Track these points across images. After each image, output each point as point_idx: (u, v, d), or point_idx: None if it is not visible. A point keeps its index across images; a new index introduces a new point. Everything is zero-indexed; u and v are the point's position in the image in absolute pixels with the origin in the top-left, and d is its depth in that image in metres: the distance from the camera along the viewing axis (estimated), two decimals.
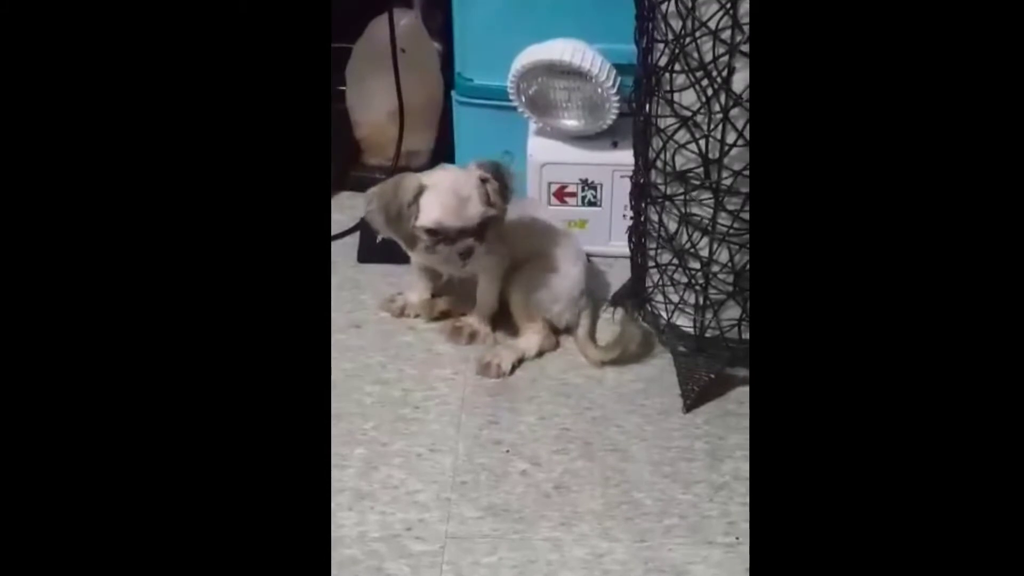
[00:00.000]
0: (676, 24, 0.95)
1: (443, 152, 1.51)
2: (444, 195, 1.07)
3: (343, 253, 1.36)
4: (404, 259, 1.32)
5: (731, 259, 1.03)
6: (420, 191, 1.07)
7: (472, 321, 1.21)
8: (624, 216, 1.28)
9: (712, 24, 0.92)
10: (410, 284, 1.26)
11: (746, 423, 1.07)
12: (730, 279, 1.04)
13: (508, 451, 1.04)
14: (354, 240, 1.38)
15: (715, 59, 0.93)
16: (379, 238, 1.36)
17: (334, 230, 1.40)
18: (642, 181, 1.09)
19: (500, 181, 1.09)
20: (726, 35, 0.92)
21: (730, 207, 1.00)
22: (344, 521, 0.94)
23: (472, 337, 1.20)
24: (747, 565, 0.90)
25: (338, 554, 0.90)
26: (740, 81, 0.93)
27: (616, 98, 1.24)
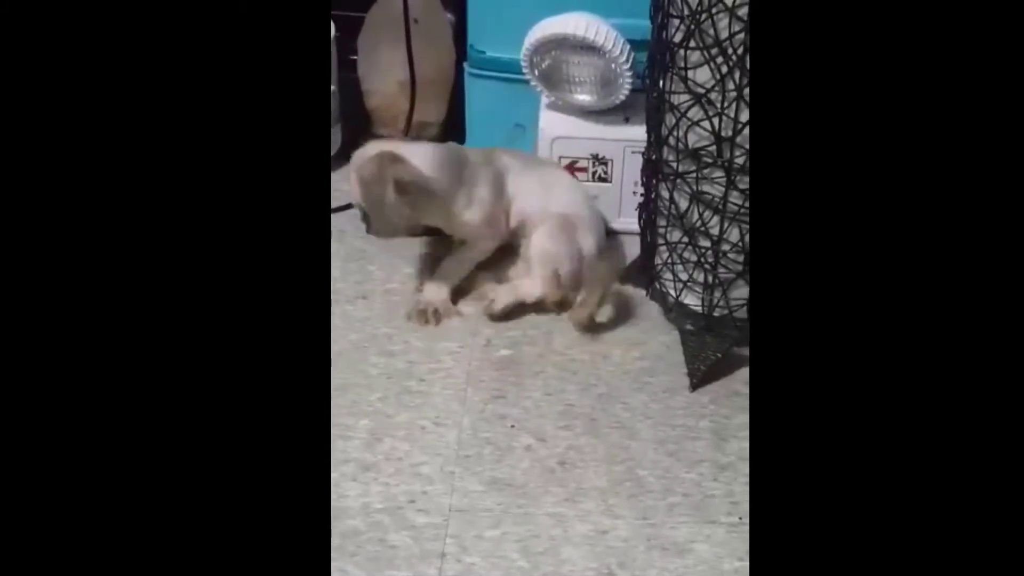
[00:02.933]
0: (692, 0, 0.94)
1: (454, 124, 1.50)
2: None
3: (351, 224, 1.35)
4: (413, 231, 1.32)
5: (741, 238, 1.02)
6: None
7: (430, 296, 1.20)
8: (634, 193, 1.28)
9: (728, 1, 0.91)
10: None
11: None
12: (740, 258, 1.04)
13: (513, 426, 1.04)
14: None
15: (731, 36, 0.92)
16: None
17: (343, 201, 1.39)
18: (654, 158, 1.09)
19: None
20: (743, 12, 0.90)
21: (742, 186, 0.99)
22: (348, 492, 0.95)
23: (436, 315, 1.19)
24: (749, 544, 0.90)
25: (342, 525, 0.91)
26: None
27: (629, 74, 1.23)
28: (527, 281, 1.19)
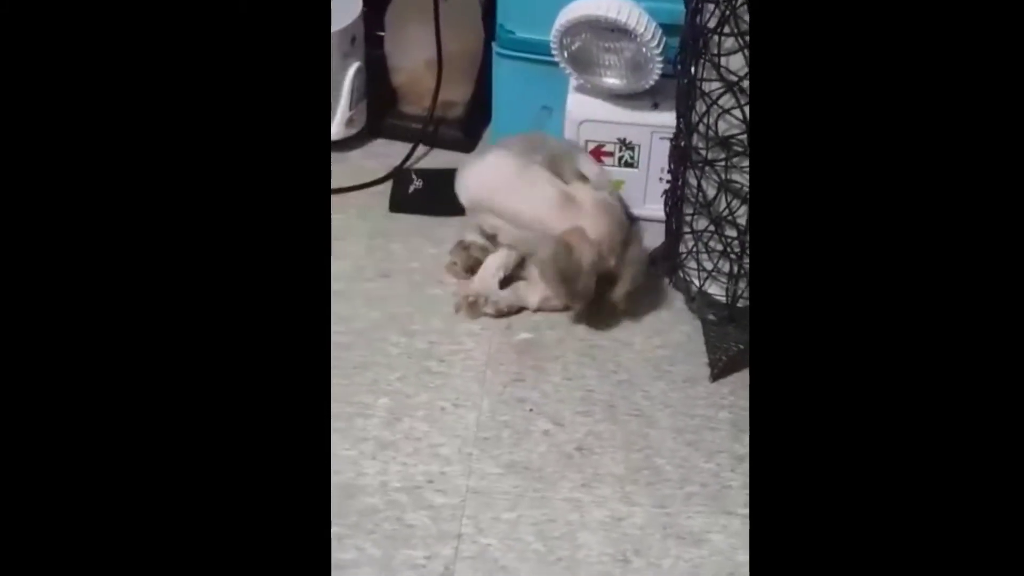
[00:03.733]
0: None
1: (481, 104, 1.49)
2: None
3: (375, 201, 1.35)
4: (435, 211, 1.32)
5: None
6: None
7: (475, 287, 1.18)
8: (661, 179, 1.27)
9: None
10: None
11: None
12: None
13: (532, 410, 1.04)
14: (386, 188, 1.37)
15: None
16: (411, 188, 1.36)
17: (366, 178, 1.39)
18: (683, 144, 1.08)
19: None
20: None
21: None
22: (366, 470, 0.95)
23: (490, 306, 1.17)
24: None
25: (359, 502, 0.91)
26: None
27: (660, 59, 1.21)
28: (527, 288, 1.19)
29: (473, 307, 1.16)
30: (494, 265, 1.19)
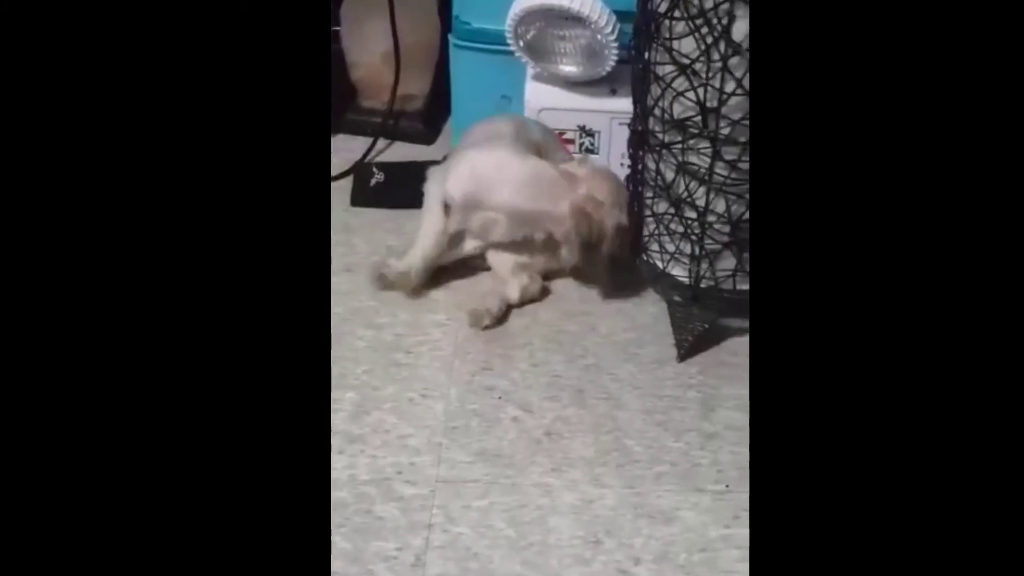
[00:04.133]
0: None
1: (440, 96, 1.49)
2: None
3: (336, 196, 1.35)
4: (397, 204, 1.32)
5: (727, 209, 1.02)
6: None
7: (399, 267, 1.17)
8: (622, 164, 1.27)
9: None
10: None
11: (739, 373, 1.08)
12: (726, 229, 1.04)
13: (500, 397, 1.04)
14: (347, 183, 1.37)
15: (716, 6, 0.92)
16: (373, 182, 1.36)
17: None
18: (640, 129, 1.08)
19: None
20: None
21: (728, 156, 0.99)
22: (334, 464, 0.95)
23: (381, 280, 1.17)
24: (735, 512, 0.91)
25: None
26: (740, 30, 0.92)
27: (615, 45, 1.22)
28: (505, 285, 1.19)
29: (381, 279, 1.16)
30: (422, 255, 1.18)
